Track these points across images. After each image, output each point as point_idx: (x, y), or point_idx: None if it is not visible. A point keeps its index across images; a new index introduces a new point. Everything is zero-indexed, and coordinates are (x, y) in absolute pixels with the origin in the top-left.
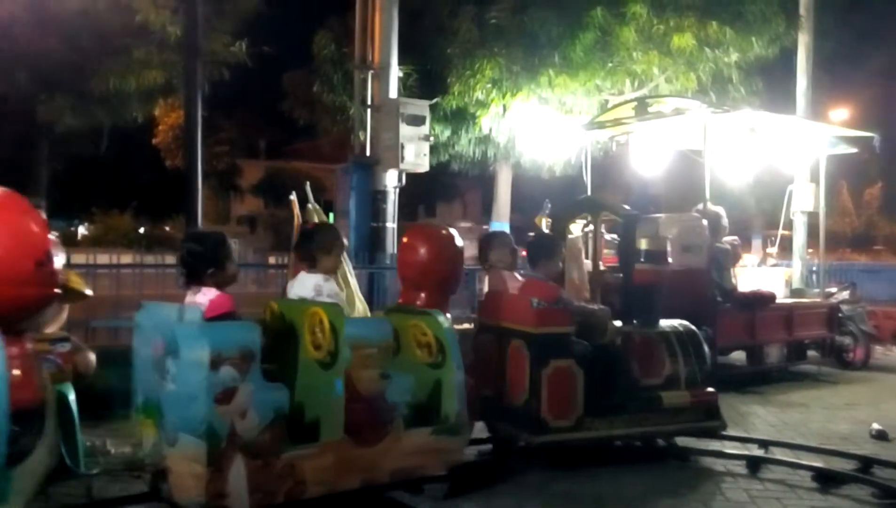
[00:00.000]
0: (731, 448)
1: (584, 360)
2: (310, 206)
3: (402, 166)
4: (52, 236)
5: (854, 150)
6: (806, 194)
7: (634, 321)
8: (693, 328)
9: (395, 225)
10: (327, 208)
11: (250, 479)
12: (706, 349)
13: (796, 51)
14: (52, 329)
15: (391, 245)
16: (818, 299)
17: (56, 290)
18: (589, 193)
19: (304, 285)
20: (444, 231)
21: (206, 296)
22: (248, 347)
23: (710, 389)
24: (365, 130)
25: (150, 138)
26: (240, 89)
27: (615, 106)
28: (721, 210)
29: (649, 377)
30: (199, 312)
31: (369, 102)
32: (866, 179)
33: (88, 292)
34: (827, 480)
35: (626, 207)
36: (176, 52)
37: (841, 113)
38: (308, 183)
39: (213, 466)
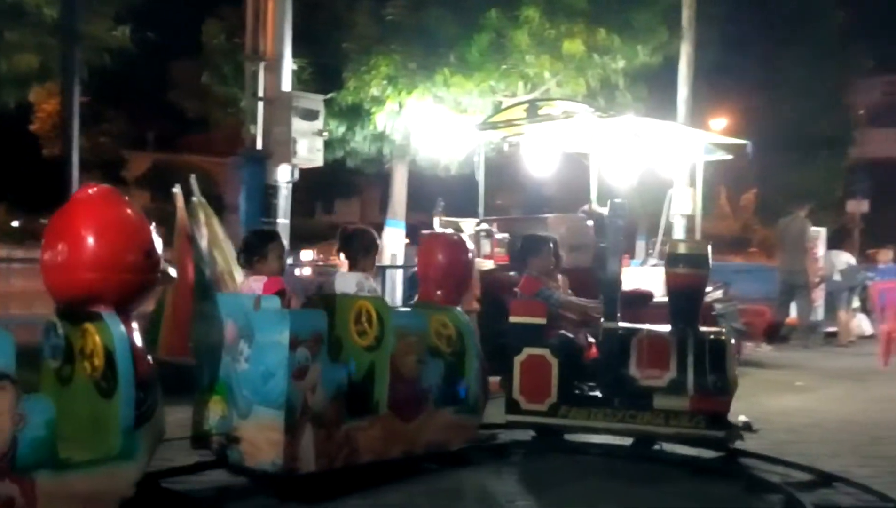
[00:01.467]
0: (614, 440)
1: (562, 350)
2: (195, 199)
3: (294, 161)
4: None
5: (729, 156)
6: (685, 197)
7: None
8: (722, 336)
9: (287, 221)
10: (218, 202)
11: (317, 445)
12: (730, 359)
13: (679, 61)
14: None
15: (284, 242)
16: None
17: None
18: (481, 192)
19: (347, 282)
20: (458, 239)
21: (258, 281)
22: (319, 331)
23: (721, 398)
24: (256, 123)
25: (27, 126)
26: (127, 78)
27: (508, 107)
28: (605, 211)
29: (649, 378)
30: (277, 300)
31: (261, 95)
32: (743, 185)
33: (174, 273)
34: (700, 470)
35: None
36: (53, 35)
37: (720, 122)
38: (193, 175)
39: (290, 433)
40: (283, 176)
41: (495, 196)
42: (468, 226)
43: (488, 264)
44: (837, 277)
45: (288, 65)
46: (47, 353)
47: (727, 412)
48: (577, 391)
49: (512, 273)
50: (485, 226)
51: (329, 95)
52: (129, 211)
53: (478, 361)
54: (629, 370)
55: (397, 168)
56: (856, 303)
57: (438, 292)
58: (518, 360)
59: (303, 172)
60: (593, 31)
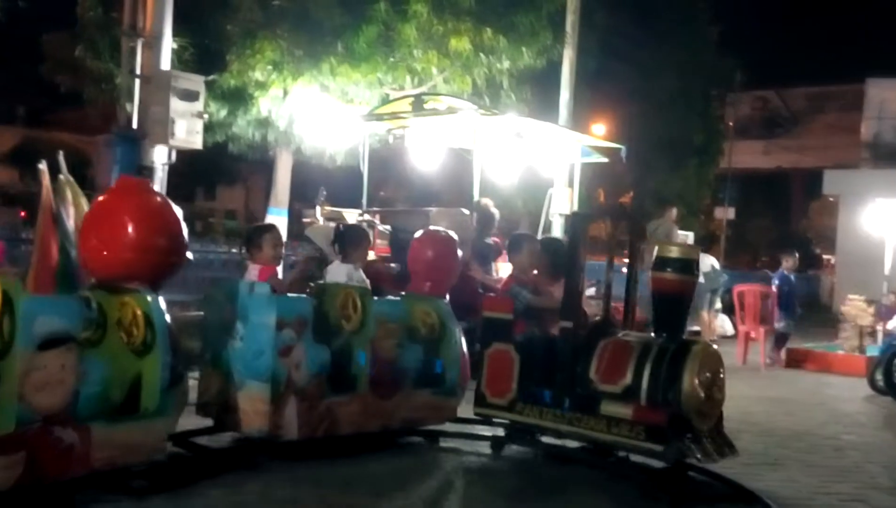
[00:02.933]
0: (482, 430)
1: (526, 348)
2: (62, 177)
3: (172, 143)
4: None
5: (605, 159)
6: (563, 197)
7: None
8: (690, 347)
9: None
10: (92, 181)
11: (300, 416)
12: (692, 371)
13: (562, 65)
14: None
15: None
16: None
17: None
18: (365, 183)
19: (339, 272)
20: (447, 236)
21: (256, 269)
22: (304, 315)
23: (664, 411)
24: (132, 101)
25: None
26: None
27: (394, 100)
28: (496, 211)
29: (606, 383)
30: (267, 287)
31: (138, 72)
32: (621, 189)
33: (190, 256)
34: (564, 459)
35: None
36: None
37: (600, 128)
38: (61, 152)
39: (275, 404)
40: (160, 157)
41: (380, 188)
42: (351, 216)
43: (370, 256)
44: (702, 279)
45: (168, 43)
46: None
47: (664, 423)
48: (534, 389)
49: (393, 265)
50: (367, 217)
51: (210, 77)
52: (160, 200)
53: (457, 347)
54: (588, 373)
55: (281, 155)
56: (718, 304)
57: (427, 284)
58: (487, 354)
59: (183, 155)
60: (480, 30)
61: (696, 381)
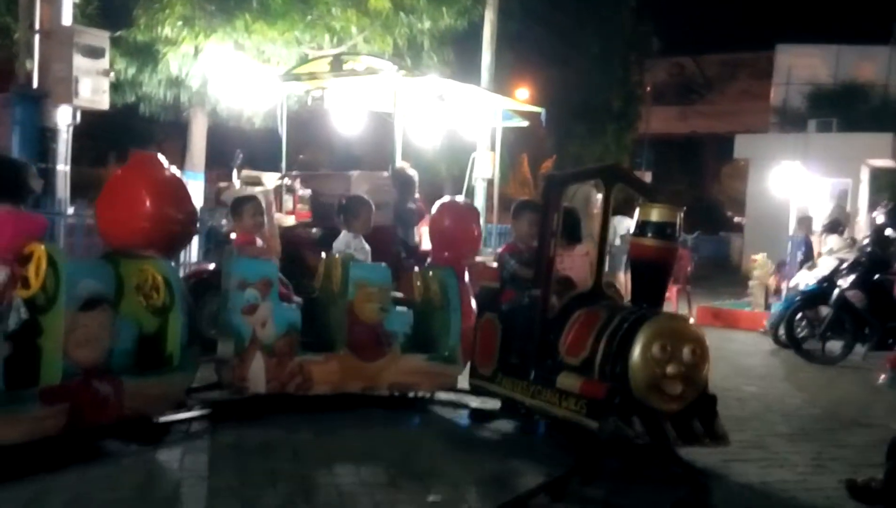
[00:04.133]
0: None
1: (508, 318)
2: None
3: (76, 102)
4: None
5: (525, 123)
6: (485, 161)
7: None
8: (647, 316)
9: (67, 168)
10: None
11: (267, 371)
12: (638, 340)
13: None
14: None
15: (62, 189)
16: (489, 257)
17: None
18: (284, 145)
19: (340, 241)
20: (466, 206)
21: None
22: (268, 277)
23: (605, 386)
24: (32, 58)
25: None
26: None
27: (312, 59)
28: (414, 172)
29: (571, 355)
30: (235, 250)
31: (38, 27)
32: (544, 153)
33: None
34: (480, 416)
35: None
36: None
37: (523, 92)
38: None
39: (239, 358)
40: (63, 118)
41: (300, 152)
42: (270, 181)
43: (290, 221)
44: (618, 241)
45: None
46: None
47: (604, 398)
48: (512, 360)
49: (314, 230)
50: (287, 181)
51: (117, 33)
52: (173, 174)
53: (457, 314)
54: (557, 345)
55: (196, 117)
56: None
57: (445, 254)
58: (479, 323)
59: (93, 117)
60: None
61: (649, 354)
